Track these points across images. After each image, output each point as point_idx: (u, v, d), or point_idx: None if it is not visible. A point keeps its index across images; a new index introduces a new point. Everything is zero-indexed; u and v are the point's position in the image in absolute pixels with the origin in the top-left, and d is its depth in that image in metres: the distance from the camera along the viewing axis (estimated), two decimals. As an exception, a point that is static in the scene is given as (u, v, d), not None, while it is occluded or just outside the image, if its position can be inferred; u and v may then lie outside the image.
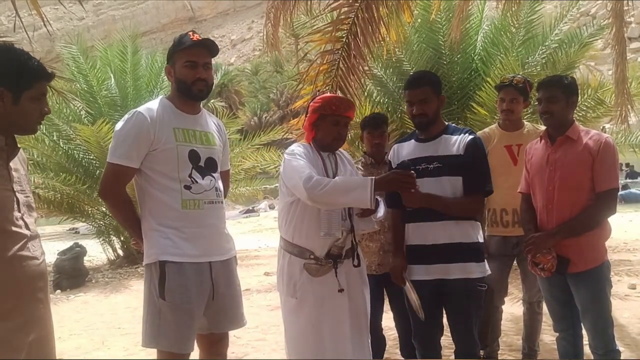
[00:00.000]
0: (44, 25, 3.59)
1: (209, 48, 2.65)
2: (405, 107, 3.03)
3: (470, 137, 2.86)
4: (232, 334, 3.09)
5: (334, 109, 2.80)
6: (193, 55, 2.60)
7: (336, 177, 2.72)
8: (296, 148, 2.79)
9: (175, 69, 2.64)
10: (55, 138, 9.83)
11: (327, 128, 2.80)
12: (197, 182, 2.59)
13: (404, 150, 2.98)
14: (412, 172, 2.65)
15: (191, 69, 2.59)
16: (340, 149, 2.95)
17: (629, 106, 6.33)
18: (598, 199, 2.73)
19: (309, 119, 2.84)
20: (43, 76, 2.12)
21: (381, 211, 2.94)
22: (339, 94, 4.49)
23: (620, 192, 17.09)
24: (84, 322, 6.10)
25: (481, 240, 2.88)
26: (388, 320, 3.62)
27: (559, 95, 2.81)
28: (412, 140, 2.98)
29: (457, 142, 2.83)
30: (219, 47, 2.77)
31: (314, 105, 2.81)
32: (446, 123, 2.97)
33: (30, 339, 2.04)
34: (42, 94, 2.13)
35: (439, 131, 2.90)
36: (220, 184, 2.73)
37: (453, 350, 2.95)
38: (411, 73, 7.42)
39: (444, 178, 2.79)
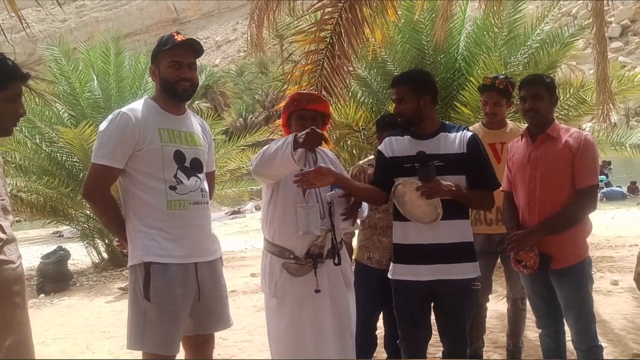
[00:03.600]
0: (23, 27, 3.56)
1: (194, 48, 2.64)
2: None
3: (470, 134, 2.79)
4: (218, 335, 3.08)
5: (297, 104, 2.83)
6: (178, 55, 2.58)
7: (269, 145, 2.68)
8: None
9: (159, 69, 2.62)
10: (37, 141, 9.73)
11: (295, 124, 2.83)
12: (182, 182, 2.57)
13: (398, 146, 2.83)
14: (433, 163, 2.62)
15: (176, 69, 2.58)
16: (322, 148, 2.94)
17: (610, 104, 6.40)
18: (578, 195, 2.76)
19: (282, 121, 2.86)
20: (18, 77, 2.09)
21: (365, 211, 2.95)
22: (324, 93, 4.50)
23: (603, 190, 17.32)
24: (68, 326, 6.03)
25: (472, 239, 2.84)
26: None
27: (543, 92, 2.85)
28: (407, 137, 2.83)
29: (456, 140, 2.75)
30: (204, 48, 2.76)
31: (283, 105, 2.84)
32: (441, 121, 2.88)
33: (7, 343, 2.00)
34: (17, 95, 2.09)
35: (435, 129, 2.80)
36: (205, 185, 2.71)
37: (441, 351, 2.90)
38: (395, 73, 7.52)
39: (447, 177, 2.66)
